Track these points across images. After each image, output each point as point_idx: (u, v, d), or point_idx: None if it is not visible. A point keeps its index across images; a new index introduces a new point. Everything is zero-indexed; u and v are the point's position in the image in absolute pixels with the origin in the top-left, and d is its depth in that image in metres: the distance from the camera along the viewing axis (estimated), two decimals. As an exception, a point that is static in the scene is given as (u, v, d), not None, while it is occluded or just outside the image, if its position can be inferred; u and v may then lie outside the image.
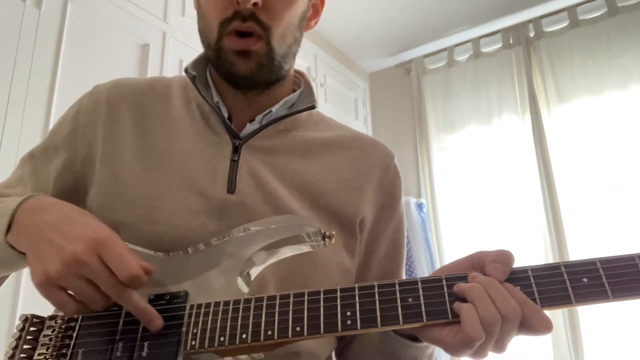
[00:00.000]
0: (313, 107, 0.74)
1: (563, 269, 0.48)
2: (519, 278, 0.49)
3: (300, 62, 2.60)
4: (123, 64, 1.74)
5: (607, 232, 2.29)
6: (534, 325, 0.46)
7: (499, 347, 0.48)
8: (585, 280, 0.47)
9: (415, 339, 0.59)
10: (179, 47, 1.95)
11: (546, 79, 2.67)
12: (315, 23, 0.79)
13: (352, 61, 3.23)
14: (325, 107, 2.67)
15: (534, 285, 0.48)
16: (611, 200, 2.32)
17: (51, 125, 1.49)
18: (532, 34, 2.78)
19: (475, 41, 2.93)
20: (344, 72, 3.02)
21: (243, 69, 0.66)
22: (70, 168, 0.71)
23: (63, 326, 0.58)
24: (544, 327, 0.46)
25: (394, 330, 0.60)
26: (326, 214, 0.69)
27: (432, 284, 0.50)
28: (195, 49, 1.98)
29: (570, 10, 2.66)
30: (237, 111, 0.73)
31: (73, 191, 0.71)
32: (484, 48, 2.91)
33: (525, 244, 2.47)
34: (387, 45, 3.11)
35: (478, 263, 0.52)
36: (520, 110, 2.71)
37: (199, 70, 0.74)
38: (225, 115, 0.71)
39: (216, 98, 0.73)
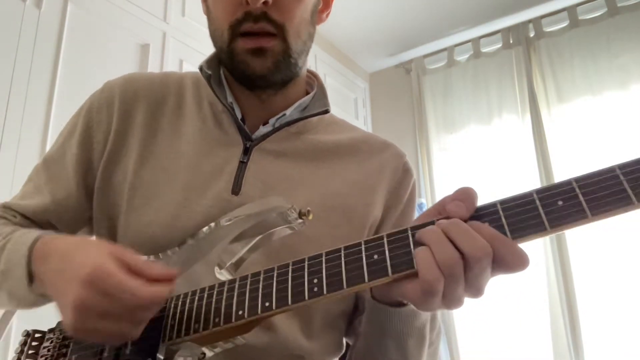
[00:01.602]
0: (327, 111, 0.73)
1: (535, 195, 0.44)
2: (487, 213, 0.45)
3: (300, 62, 2.60)
4: (123, 64, 1.74)
5: (607, 232, 2.29)
6: (506, 260, 0.43)
7: (474, 290, 0.44)
8: (560, 202, 0.42)
9: (399, 306, 0.56)
10: (179, 47, 1.95)
11: (546, 79, 2.67)
12: (327, 16, 0.77)
13: (352, 61, 3.23)
14: (325, 107, 2.67)
15: (503, 218, 0.44)
16: (611, 200, 2.32)
17: (51, 126, 1.49)
18: (532, 34, 2.78)
19: (475, 41, 2.93)
20: (344, 72, 3.02)
21: (259, 68, 0.64)
22: (90, 167, 0.70)
23: (61, 337, 0.59)
24: (519, 261, 0.43)
25: (375, 299, 0.57)
26: (336, 215, 0.68)
27: (397, 236, 0.47)
28: (195, 49, 1.98)
29: (570, 10, 2.66)
30: (250, 113, 0.72)
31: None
32: (484, 48, 2.91)
33: (525, 243, 2.46)
34: (387, 45, 3.11)
35: (443, 208, 0.48)
36: (520, 110, 2.71)
37: (213, 69, 0.72)
38: (239, 116, 0.71)
39: (230, 98, 0.71)
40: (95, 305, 0.48)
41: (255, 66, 0.64)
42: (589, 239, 2.36)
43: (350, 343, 0.74)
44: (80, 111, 0.75)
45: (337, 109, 2.80)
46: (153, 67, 1.82)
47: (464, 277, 0.43)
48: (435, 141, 2.95)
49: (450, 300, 0.44)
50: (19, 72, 1.45)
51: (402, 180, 0.76)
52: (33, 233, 0.60)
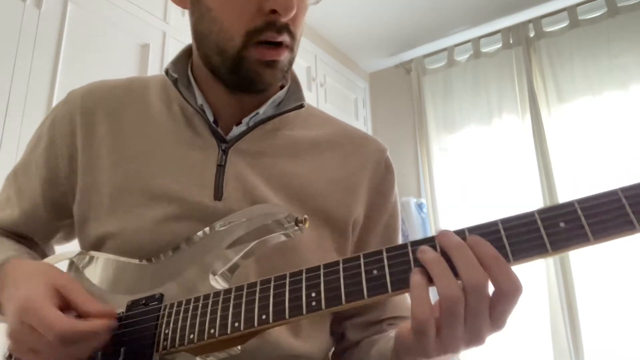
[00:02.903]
0: (302, 106, 0.71)
1: (537, 216, 0.43)
2: (487, 233, 0.44)
3: (301, 62, 2.60)
4: (123, 64, 1.74)
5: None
6: (501, 285, 0.41)
7: (474, 333, 0.43)
8: (562, 225, 0.42)
9: None
10: (179, 47, 1.93)
11: (546, 79, 2.67)
12: None
13: (352, 61, 3.23)
14: (325, 107, 2.67)
15: (504, 238, 0.43)
16: (611, 200, 2.32)
17: (51, 125, 1.49)
18: (532, 34, 2.77)
19: (475, 41, 2.93)
20: (344, 72, 3.02)
21: (270, 79, 0.64)
22: (56, 182, 0.70)
23: None
24: (513, 288, 0.41)
25: (397, 355, 0.55)
26: (317, 217, 0.67)
27: (397, 251, 0.46)
28: (195, 49, 1.97)
29: (570, 10, 2.66)
30: (223, 113, 0.70)
31: (62, 205, 0.71)
32: (484, 48, 2.91)
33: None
34: (387, 45, 3.11)
35: None
36: (520, 110, 2.71)
37: (180, 71, 0.71)
38: (211, 118, 0.69)
39: (200, 100, 0.70)
40: (24, 339, 0.50)
41: (267, 77, 0.63)
42: (589, 239, 2.35)
43: (336, 338, 0.73)
44: (45, 122, 0.74)
45: (337, 109, 2.80)
46: (153, 67, 1.82)
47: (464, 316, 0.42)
48: (435, 141, 2.95)
49: (448, 343, 0.43)
50: (19, 72, 1.45)
51: (384, 176, 0.75)
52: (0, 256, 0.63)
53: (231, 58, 0.63)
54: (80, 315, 0.52)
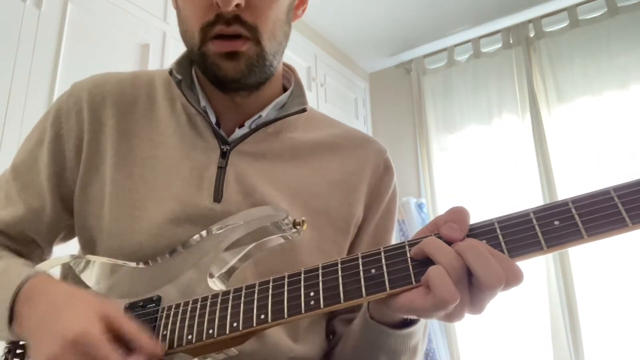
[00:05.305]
0: (304, 110, 0.71)
1: (532, 215, 0.44)
2: (484, 232, 0.46)
3: (300, 62, 2.59)
4: (123, 64, 1.74)
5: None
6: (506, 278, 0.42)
7: (477, 308, 0.44)
8: (556, 223, 0.43)
9: (396, 327, 0.56)
10: (179, 47, 1.93)
11: (546, 79, 2.67)
12: (303, 11, 0.74)
13: (352, 61, 3.23)
14: (325, 107, 2.67)
15: (500, 236, 0.45)
16: (611, 200, 2.32)
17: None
18: (532, 34, 2.77)
19: (475, 41, 2.93)
20: (344, 72, 3.02)
21: (232, 72, 0.63)
22: (63, 176, 0.69)
23: None
24: (514, 277, 0.42)
25: (372, 317, 0.57)
26: (319, 217, 0.67)
27: (395, 251, 0.47)
28: (195, 49, 1.97)
29: (570, 10, 2.66)
30: (225, 115, 0.70)
31: (71, 201, 0.69)
32: (484, 48, 2.91)
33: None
34: (387, 45, 3.11)
35: (436, 229, 0.48)
36: (520, 110, 2.71)
37: (183, 70, 0.71)
38: (213, 120, 0.69)
39: (203, 102, 0.70)
40: None
41: (228, 69, 0.62)
42: (589, 239, 2.35)
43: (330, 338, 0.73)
44: (47, 116, 0.71)
45: (337, 109, 2.80)
46: (153, 67, 1.82)
47: (471, 298, 0.44)
48: (435, 141, 2.95)
49: (455, 316, 0.45)
50: (19, 72, 1.45)
51: (383, 177, 0.75)
52: (20, 270, 0.59)
53: (197, 55, 0.64)
54: (130, 348, 0.50)
